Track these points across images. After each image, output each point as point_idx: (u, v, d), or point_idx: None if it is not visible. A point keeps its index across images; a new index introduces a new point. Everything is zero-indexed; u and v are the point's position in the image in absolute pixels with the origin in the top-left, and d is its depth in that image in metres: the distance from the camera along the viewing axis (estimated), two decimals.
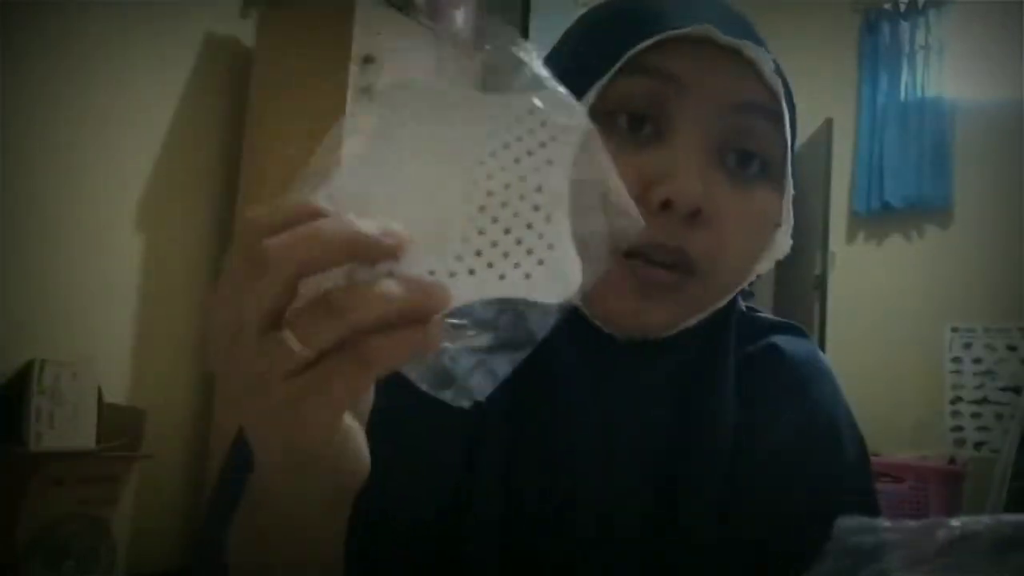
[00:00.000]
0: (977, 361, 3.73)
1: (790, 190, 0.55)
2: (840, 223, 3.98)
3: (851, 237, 4.03)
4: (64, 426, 2.09)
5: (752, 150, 0.52)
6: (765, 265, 0.57)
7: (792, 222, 0.57)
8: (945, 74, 3.87)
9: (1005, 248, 3.68)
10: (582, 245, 0.33)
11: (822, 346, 3.60)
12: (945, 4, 3.90)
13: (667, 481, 0.55)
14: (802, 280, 3.69)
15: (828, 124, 3.78)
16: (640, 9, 0.53)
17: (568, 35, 0.58)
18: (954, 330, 3.78)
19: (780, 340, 0.63)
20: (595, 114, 0.49)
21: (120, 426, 2.23)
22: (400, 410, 0.51)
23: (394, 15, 2.63)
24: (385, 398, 0.51)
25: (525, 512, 0.53)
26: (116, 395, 2.38)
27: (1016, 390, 3.56)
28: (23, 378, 2.09)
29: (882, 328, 3.88)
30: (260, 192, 2.63)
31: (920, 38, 3.95)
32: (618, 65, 0.50)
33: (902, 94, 3.95)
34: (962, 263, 3.77)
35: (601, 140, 0.49)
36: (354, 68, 2.48)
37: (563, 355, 0.54)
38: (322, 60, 2.54)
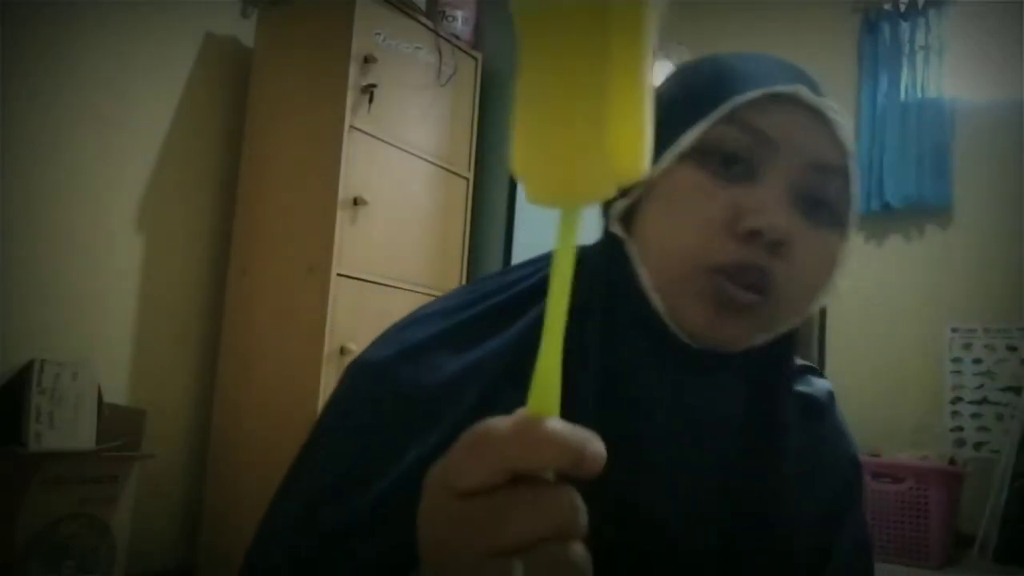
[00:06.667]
0: (977, 361, 3.72)
1: (850, 238, 0.62)
2: None
3: (851, 237, 4.03)
4: (64, 426, 2.09)
5: (825, 200, 0.59)
6: (824, 301, 0.63)
7: (847, 265, 0.64)
8: (945, 74, 3.87)
9: (1005, 248, 3.68)
10: None
11: (822, 346, 3.60)
12: (945, 4, 3.89)
13: (737, 480, 0.61)
14: None
15: None
16: (738, 68, 0.59)
17: (665, 89, 0.63)
18: (954, 330, 3.77)
19: (805, 388, 0.71)
20: (690, 151, 0.57)
21: (120, 426, 2.23)
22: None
23: (394, 15, 2.64)
24: (453, 423, 0.56)
25: (603, 506, 0.55)
26: (116, 395, 2.38)
27: (1016, 390, 3.56)
28: (23, 378, 2.09)
29: (882, 328, 3.88)
30: (260, 192, 2.63)
31: (920, 38, 3.95)
32: (719, 114, 0.56)
33: (902, 94, 3.95)
34: (962, 263, 3.77)
35: (700, 172, 0.57)
36: (354, 68, 2.48)
37: (643, 359, 0.59)
38: (322, 60, 2.54)
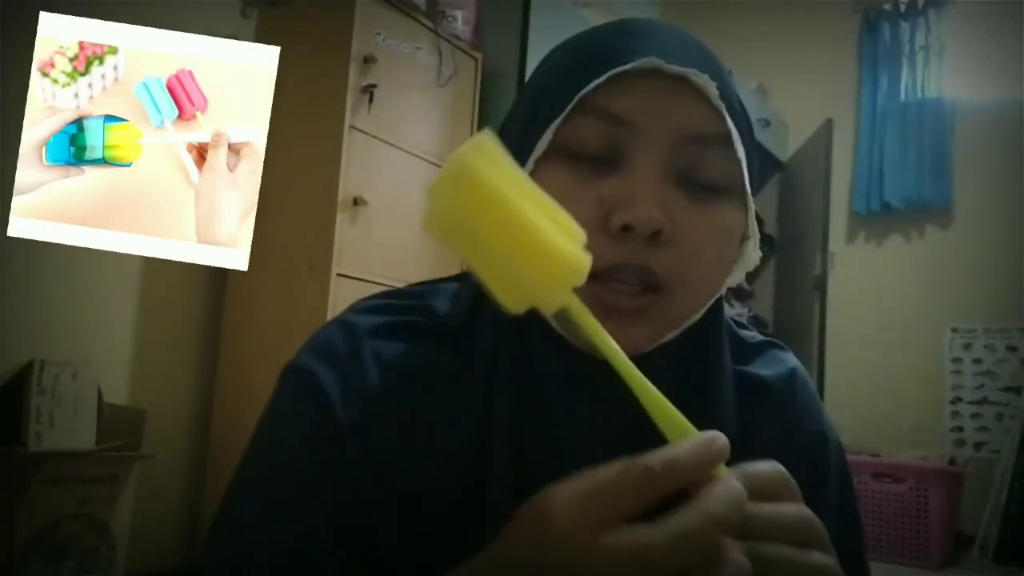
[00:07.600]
0: (977, 361, 3.73)
1: (751, 205, 0.57)
2: (840, 223, 3.98)
3: (851, 237, 4.03)
4: (64, 426, 2.09)
5: (710, 172, 0.54)
6: (735, 278, 0.58)
7: (759, 235, 0.59)
8: (945, 74, 3.87)
9: (1005, 248, 3.68)
10: None
11: (822, 346, 3.60)
12: (945, 4, 3.90)
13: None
14: (802, 280, 3.69)
15: (828, 124, 3.78)
16: (590, 49, 0.55)
17: (530, 80, 0.60)
18: (954, 330, 3.78)
19: (756, 368, 0.65)
20: (554, 150, 0.54)
21: (120, 426, 2.23)
22: (410, 434, 0.56)
23: (394, 15, 2.64)
24: (396, 426, 0.56)
25: None
26: (116, 395, 2.38)
27: (1016, 390, 3.56)
28: (23, 378, 2.09)
29: (882, 328, 3.88)
30: (260, 191, 2.63)
31: (920, 38, 3.95)
32: (568, 108, 0.53)
33: (902, 94, 3.95)
34: (962, 263, 3.77)
35: (562, 172, 0.54)
36: (354, 68, 2.48)
37: (552, 374, 0.56)
38: (322, 60, 2.54)
